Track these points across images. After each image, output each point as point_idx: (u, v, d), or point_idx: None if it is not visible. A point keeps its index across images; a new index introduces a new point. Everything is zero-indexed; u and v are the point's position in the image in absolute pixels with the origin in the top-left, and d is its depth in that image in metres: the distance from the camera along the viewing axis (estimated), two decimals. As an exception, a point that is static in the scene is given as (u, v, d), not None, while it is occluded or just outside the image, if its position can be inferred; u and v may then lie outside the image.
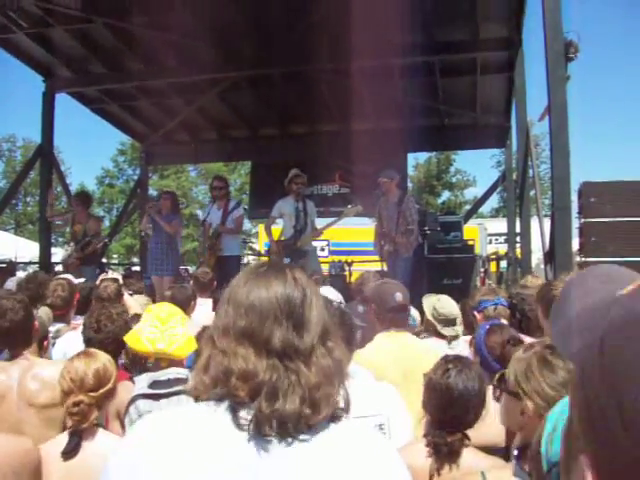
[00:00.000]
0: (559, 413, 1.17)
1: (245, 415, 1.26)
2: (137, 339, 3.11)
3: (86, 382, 2.57)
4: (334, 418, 1.33)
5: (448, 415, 2.47)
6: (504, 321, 3.99)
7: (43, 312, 4.37)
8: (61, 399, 2.59)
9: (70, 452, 2.45)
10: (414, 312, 4.68)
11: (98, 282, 5.58)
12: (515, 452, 1.64)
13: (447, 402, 2.46)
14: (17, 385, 3.09)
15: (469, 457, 2.40)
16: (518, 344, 3.06)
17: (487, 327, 3.41)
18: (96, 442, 2.53)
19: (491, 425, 2.55)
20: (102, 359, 2.70)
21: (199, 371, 1.36)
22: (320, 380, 1.29)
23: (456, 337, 4.30)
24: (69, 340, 4.06)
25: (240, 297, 1.37)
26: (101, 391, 2.59)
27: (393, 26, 8.75)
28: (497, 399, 2.25)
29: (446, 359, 2.63)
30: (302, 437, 1.26)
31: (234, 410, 1.27)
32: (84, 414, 2.51)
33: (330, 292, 4.91)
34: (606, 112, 63.38)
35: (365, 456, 1.30)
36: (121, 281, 5.69)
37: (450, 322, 4.34)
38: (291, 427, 1.25)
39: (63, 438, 2.52)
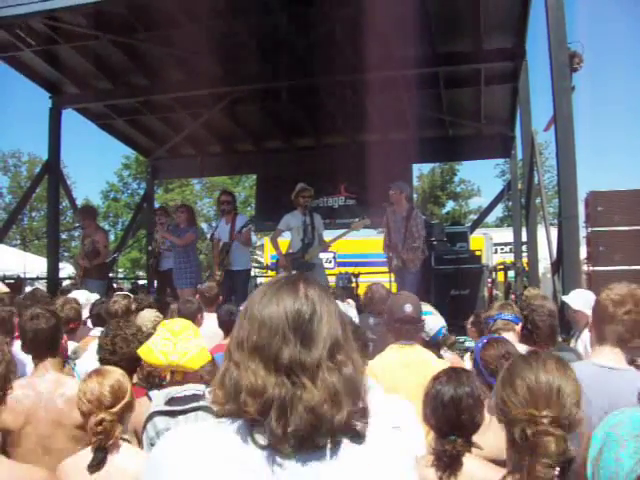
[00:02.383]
0: (605, 435, 1.16)
1: (259, 433, 1.28)
2: (150, 352, 3.13)
3: (103, 400, 2.60)
4: (351, 432, 1.33)
5: (442, 420, 2.52)
6: (512, 334, 3.98)
7: None
8: (83, 420, 2.62)
9: (96, 466, 2.48)
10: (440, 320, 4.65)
11: (111, 298, 5.61)
12: (556, 472, 1.63)
13: (439, 406, 2.52)
14: (46, 402, 3.13)
15: (473, 467, 2.42)
16: None
17: (485, 341, 3.42)
18: (121, 455, 2.56)
19: (492, 437, 2.58)
20: (115, 375, 2.73)
21: (215, 384, 1.38)
22: (325, 397, 1.28)
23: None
24: (88, 359, 4.07)
25: (254, 312, 1.38)
26: (119, 406, 2.62)
27: (397, 38, 8.80)
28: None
29: (442, 370, 2.73)
30: (315, 454, 1.28)
31: (249, 428, 1.29)
32: (108, 431, 2.54)
33: (349, 309, 4.93)
34: (611, 121, 63.15)
35: (380, 473, 1.32)
36: (132, 298, 5.71)
37: None
38: (304, 444, 1.26)
39: (87, 452, 2.54)
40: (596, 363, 2.70)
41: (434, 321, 4.50)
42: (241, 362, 1.33)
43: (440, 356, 4.24)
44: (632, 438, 1.10)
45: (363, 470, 1.30)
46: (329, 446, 1.29)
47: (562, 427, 1.68)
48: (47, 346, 3.38)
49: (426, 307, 4.59)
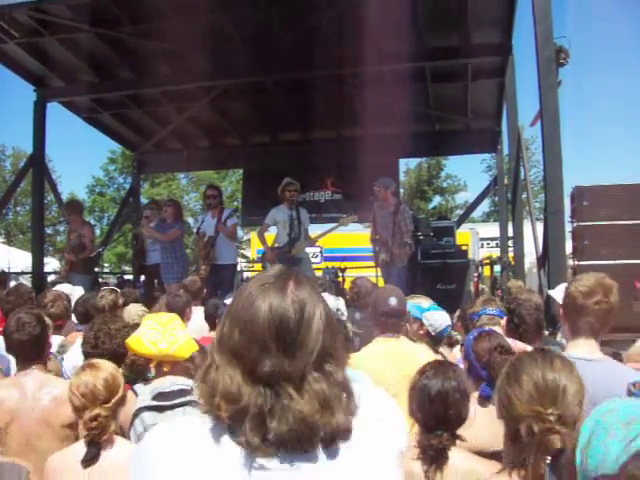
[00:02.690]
0: (595, 422, 1.16)
1: (240, 437, 1.24)
2: (139, 341, 3.10)
3: (98, 395, 2.57)
4: (338, 435, 1.29)
5: (428, 414, 2.52)
6: (498, 328, 3.99)
7: None
8: (75, 415, 2.60)
9: (90, 461, 2.46)
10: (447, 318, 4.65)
11: (98, 293, 5.59)
12: (548, 461, 1.64)
13: (426, 401, 2.52)
14: (31, 400, 3.11)
15: (458, 459, 2.43)
16: (506, 352, 3.10)
17: (476, 334, 3.42)
18: (114, 450, 2.55)
19: (477, 429, 2.59)
20: (108, 368, 2.71)
21: (197, 380, 1.35)
22: (314, 407, 1.24)
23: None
24: (75, 353, 4.05)
25: (238, 311, 1.34)
26: (114, 400, 2.60)
27: (385, 33, 8.78)
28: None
29: (428, 363, 2.73)
30: (299, 455, 1.25)
31: (230, 431, 1.26)
32: (103, 427, 2.52)
33: (329, 299, 4.92)
34: (598, 115, 63.54)
35: (367, 471, 1.31)
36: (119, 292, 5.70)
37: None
38: (293, 452, 1.24)
39: (80, 447, 2.53)
40: (572, 355, 2.70)
41: (442, 317, 4.50)
42: (220, 364, 1.30)
43: (436, 351, 4.25)
44: (621, 426, 1.11)
45: (350, 468, 1.28)
46: (314, 452, 1.26)
47: (567, 425, 1.70)
48: (33, 354, 3.36)
49: (429, 302, 4.61)
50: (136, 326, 3.51)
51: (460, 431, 2.50)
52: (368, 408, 2.46)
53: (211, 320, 5.31)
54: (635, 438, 1.10)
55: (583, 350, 2.83)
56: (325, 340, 1.32)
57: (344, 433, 1.29)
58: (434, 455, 2.44)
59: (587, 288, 2.86)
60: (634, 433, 1.11)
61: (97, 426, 2.51)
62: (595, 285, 2.86)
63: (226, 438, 1.26)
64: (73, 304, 5.48)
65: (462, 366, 3.26)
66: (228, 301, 5.38)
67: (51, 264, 15.47)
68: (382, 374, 3.35)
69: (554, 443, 1.67)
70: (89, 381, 2.59)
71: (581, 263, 7.27)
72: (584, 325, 2.86)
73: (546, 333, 5.29)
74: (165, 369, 3.08)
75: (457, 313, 5.74)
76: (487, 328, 3.67)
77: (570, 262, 7.66)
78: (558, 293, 5.11)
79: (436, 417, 2.50)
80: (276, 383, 1.25)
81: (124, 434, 2.98)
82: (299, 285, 1.35)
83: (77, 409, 2.58)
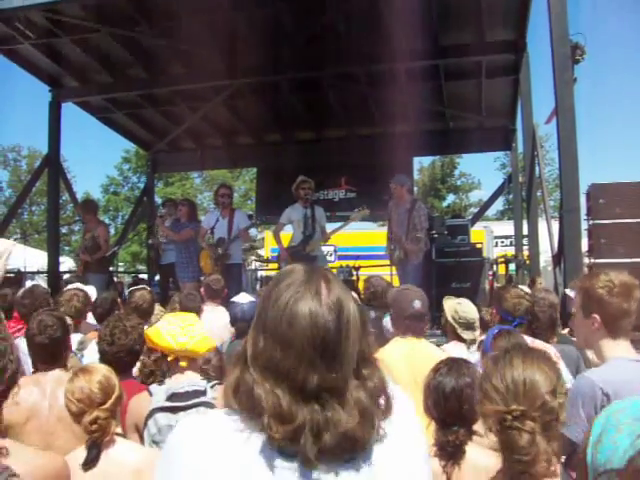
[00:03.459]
0: (606, 420, 1.16)
1: (290, 451, 1.22)
2: (159, 334, 3.10)
3: (94, 398, 2.57)
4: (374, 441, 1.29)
5: (444, 411, 2.53)
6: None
7: None
8: (74, 421, 2.60)
9: (90, 463, 2.46)
10: None
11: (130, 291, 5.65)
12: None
13: (441, 398, 2.54)
14: (49, 398, 3.13)
15: (476, 455, 2.44)
16: None
17: (495, 332, 3.41)
18: (116, 450, 2.54)
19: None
20: (101, 371, 2.70)
21: (229, 392, 1.32)
22: (357, 419, 1.23)
23: (474, 341, 4.30)
24: (94, 350, 4.06)
25: (275, 326, 1.28)
26: (111, 402, 2.59)
27: (399, 30, 8.74)
28: None
29: (442, 361, 2.74)
30: (348, 470, 1.24)
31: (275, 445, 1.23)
32: (103, 429, 2.52)
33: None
34: (613, 113, 63.05)
35: (402, 469, 1.31)
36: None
37: (470, 326, 4.34)
38: (335, 461, 1.23)
39: (81, 450, 2.53)
40: (622, 357, 2.66)
41: None
42: (260, 380, 1.25)
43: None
44: (630, 422, 1.11)
45: (385, 468, 1.28)
46: (358, 459, 1.26)
47: (533, 419, 1.70)
48: (54, 357, 3.38)
49: None
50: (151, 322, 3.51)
51: (477, 426, 2.50)
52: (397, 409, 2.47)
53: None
54: None
55: (627, 351, 2.76)
56: (362, 343, 1.32)
57: (378, 441, 1.29)
58: (451, 451, 2.46)
59: (621, 288, 2.80)
60: None
61: (97, 429, 2.50)
62: (627, 284, 2.80)
63: (273, 455, 1.23)
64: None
65: (479, 364, 3.24)
66: (238, 299, 5.37)
67: (66, 263, 15.54)
68: (399, 374, 3.33)
69: (516, 440, 1.67)
70: (84, 386, 2.59)
71: (597, 261, 7.21)
72: (627, 326, 2.79)
73: (565, 331, 5.26)
74: (182, 364, 3.07)
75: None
76: (506, 326, 3.67)
77: (586, 260, 7.60)
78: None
79: (452, 414, 2.52)
80: (322, 398, 1.24)
81: (139, 434, 2.99)
82: (330, 284, 1.32)
83: (75, 415, 2.58)
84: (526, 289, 5.83)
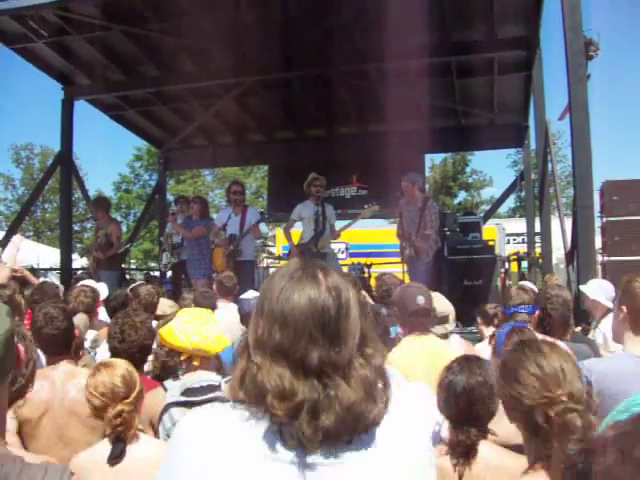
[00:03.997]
0: (624, 407, 1.16)
1: (289, 433, 1.23)
2: (172, 332, 3.10)
3: (117, 392, 2.58)
4: (375, 423, 1.29)
5: (455, 411, 2.51)
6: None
7: (80, 320, 4.41)
8: (95, 414, 2.61)
9: (116, 458, 2.47)
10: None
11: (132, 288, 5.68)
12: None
13: (452, 397, 2.51)
14: (60, 392, 3.14)
15: (488, 453, 2.43)
16: None
17: (508, 329, 3.39)
18: (140, 446, 2.56)
19: (508, 423, 2.58)
20: (122, 365, 2.72)
21: (234, 383, 1.33)
22: (361, 394, 1.25)
23: (446, 335, 4.31)
24: (106, 349, 4.08)
25: (273, 309, 1.30)
26: (134, 395, 2.61)
27: (410, 27, 8.72)
28: None
29: (455, 359, 2.72)
30: (347, 452, 1.25)
31: (277, 427, 1.25)
32: (128, 422, 2.53)
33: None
34: (626, 110, 62.67)
35: (404, 464, 1.30)
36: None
37: (441, 320, 4.33)
38: (336, 443, 1.24)
39: (104, 445, 2.53)
40: (636, 354, 2.66)
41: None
42: (262, 364, 1.27)
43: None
44: None
45: (388, 460, 1.28)
46: (360, 441, 1.26)
47: (578, 402, 1.75)
48: (62, 348, 3.40)
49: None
50: (166, 317, 3.51)
51: (491, 425, 2.49)
52: (403, 400, 2.46)
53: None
54: None
55: None
56: (363, 322, 1.34)
57: (379, 421, 1.29)
58: (463, 450, 2.44)
59: None
60: None
61: (122, 422, 2.51)
62: None
63: (274, 437, 1.25)
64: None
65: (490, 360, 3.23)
66: (246, 296, 5.38)
67: (79, 260, 15.62)
68: (414, 371, 3.32)
69: (574, 421, 1.70)
70: (106, 380, 2.60)
71: (611, 259, 7.18)
72: None
73: (578, 329, 5.23)
74: (195, 363, 3.07)
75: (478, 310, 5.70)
76: (519, 323, 3.65)
77: (599, 258, 7.56)
78: (589, 288, 5.07)
79: (463, 413, 2.50)
80: (324, 374, 1.25)
81: (154, 429, 2.99)
82: (327, 273, 1.35)
83: (97, 409, 2.58)
84: (530, 285, 5.84)
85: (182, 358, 3.10)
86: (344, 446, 1.25)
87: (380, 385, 1.31)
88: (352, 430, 1.25)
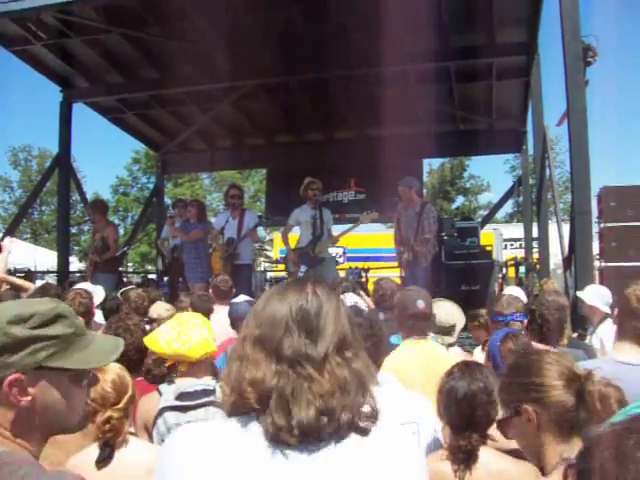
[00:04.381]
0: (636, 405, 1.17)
1: (263, 425, 1.27)
2: (155, 340, 3.10)
3: (107, 397, 2.54)
4: (357, 427, 1.31)
5: (456, 416, 2.51)
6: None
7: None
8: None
9: (103, 462, 2.45)
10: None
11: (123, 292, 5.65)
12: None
13: (453, 403, 2.51)
14: None
15: (489, 459, 2.42)
16: None
17: (502, 335, 3.40)
18: (129, 450, 2.53)
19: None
20: (114, 369, 2.66)
21: (224, 380, 1.39)
22: (334, 388, 1.28)
23: (451, 345, 4.31)
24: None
25: (259, 309, 1.40)
26: (124, 401, 2.57)
27: (409, 32, 8.74)
28: None
29: (455, 364, 2.71)
30: (322, 446, 1.27)
31: (252, 420, 1.29)
32: (117, 429, 2.50)
33: (352, 299, 4.89)
34: (624, 116, 62.74)
35: (386, 466, 1.30)
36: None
37: (446, 331, 4.33)
38: (309, 436, 1.25)
39: (94, 448, 2.52)
40: (616, 359, 2.67)
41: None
42: (244, 355, 1.34)
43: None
44: None
45: (368, 466, 1.28)
46: (334, 440, 1.28)
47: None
48: None
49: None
50: (160, 320, 3.49)
51: (490, 430, 2.48)
52: (397, 409, 2.45)
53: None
54: None
55: (628, 354, 2.78)
56: (344, 327, 1.38)
57: (361, 428, 1.32)
58: (464, 456, 2.43)
59: None
60: None
61: (111, 429, 2.49)
62: None
63: (250, 431, 1.28)
64: (96, 304, 5.52)
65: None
66: (236, 300, 5.35)
67: (76, 263, 15.60)
68: (413, 377, 3.31)
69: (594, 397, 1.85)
70: (96, 385, 2.58)
71: (608, 264, 7.19)
72: (631, 330, 2.80)
73: (574, 335, 5.23)
74: (182, 369, 3.06)
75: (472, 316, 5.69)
76: (513, 329, 3.65)
77: (596, 263, 7.56)
78: (586, 294, 5.07)
79: (464, 419, 2.49)
80: (298, 365, 1.29)
81: (148, 433, 2.98)
82: (317, 285, 1.42)
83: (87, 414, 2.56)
84: (518, 292, 5.81)
85: (167, 364, 3.09)
86: (326, 445, 1.27)
87: (356, 387, 1.32)
88: (327, 426, 1.27)
